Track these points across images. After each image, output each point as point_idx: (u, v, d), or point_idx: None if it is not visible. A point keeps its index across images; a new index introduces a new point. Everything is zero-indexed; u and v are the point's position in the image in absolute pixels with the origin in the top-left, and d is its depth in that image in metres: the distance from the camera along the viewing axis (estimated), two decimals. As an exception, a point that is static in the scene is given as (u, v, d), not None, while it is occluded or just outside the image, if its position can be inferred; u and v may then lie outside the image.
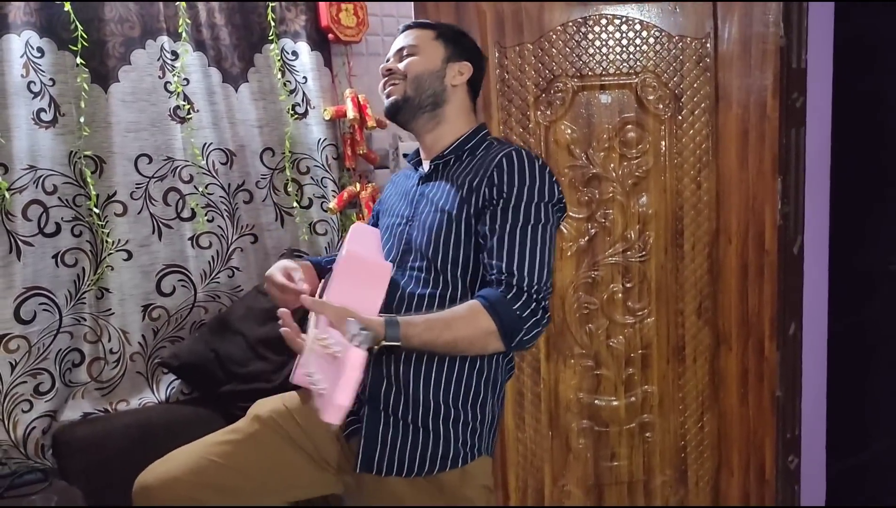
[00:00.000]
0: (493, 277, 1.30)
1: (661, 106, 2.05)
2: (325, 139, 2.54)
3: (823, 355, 2.42)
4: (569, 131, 2.05)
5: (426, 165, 1.54)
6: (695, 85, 2.05)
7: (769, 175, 2.09)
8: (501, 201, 1.33)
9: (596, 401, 2.16)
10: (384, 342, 1.22)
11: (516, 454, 2.15)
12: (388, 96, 1.51)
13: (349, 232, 1.56)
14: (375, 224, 1.69)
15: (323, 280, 1.54)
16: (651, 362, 2.15)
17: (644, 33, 2.02)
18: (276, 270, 1.49)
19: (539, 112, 2.03)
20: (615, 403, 2.17)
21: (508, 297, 1.28)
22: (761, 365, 2.17)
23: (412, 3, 2.02)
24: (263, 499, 1.49)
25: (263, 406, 1.55)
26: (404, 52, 1.52)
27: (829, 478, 2.53)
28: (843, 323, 2.52)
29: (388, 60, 1.55)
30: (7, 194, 2.02)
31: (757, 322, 2.14)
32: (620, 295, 2.11)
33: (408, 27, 1.56)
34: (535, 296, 1.29)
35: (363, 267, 1.36)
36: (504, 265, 1.29)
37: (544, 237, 1.32)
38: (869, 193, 2.86)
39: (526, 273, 1.29)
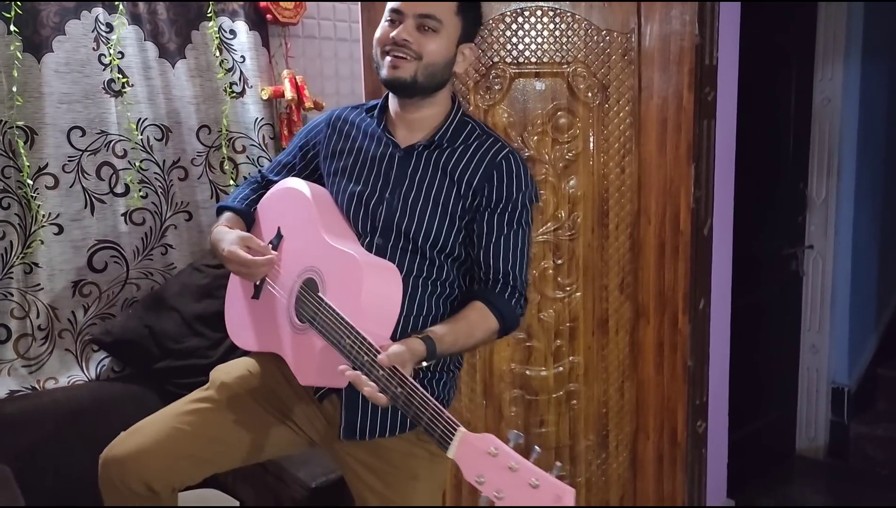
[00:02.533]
0: (489, 276, 1.44)
1: (590, 95, 2.20)
2: (262, 119, 2.56)
3: (727, 329, 2.65)
4: (506, 115, 2.17)
5: (401, 139, 1.48)
6: (620, 77, 2.22)
7: (684, 162, 2.28)
8: (499, 207, 1.43)
9: (527, 371, 2.30)
10: (423, 364, 1.31)
11: (452, 422, 2.25)
12: (392, 68, 1.39)
13: (310, 197, 1.48)
14: (303, 157, 1.60)
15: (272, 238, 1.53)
16: (578, 334, 2.31)
17: (575, 26, 2.16)
18: (237, 247, 1.43)
19: (479, 96, 2.15)
20: (544, 373, 2.31)
21: (506, 296, 1.44)
22: (675, 337, 2.36)
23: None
24: (239, 461, 1.52)
25: (228, 373, 1.54)
26: (424, 24, 1.38)
27: (731, 442, 2.78)
28: (744, 301, 2.77)
29: (394, 15, 1.39)
30: (-66, 162, 1.95)
31: (672, 297, 2.33)
32: (551, 271, 2.26)
33: None
34: (522, 290, 1.47)
35: (378, 272, 1.35)
36: (501, 267, 1.44)
37: (529, 237, 1.48)
38: (766, 184, 3.14)
39: (517, 272, 1.45)
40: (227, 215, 1.59)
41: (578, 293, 2.28)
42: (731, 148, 2.56)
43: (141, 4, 2.31)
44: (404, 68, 1.39)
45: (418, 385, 1.19)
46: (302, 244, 1.47)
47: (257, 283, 1.54)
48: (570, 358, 2.32)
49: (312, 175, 1.61)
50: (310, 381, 1.38)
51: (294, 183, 1.55)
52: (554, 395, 2.32)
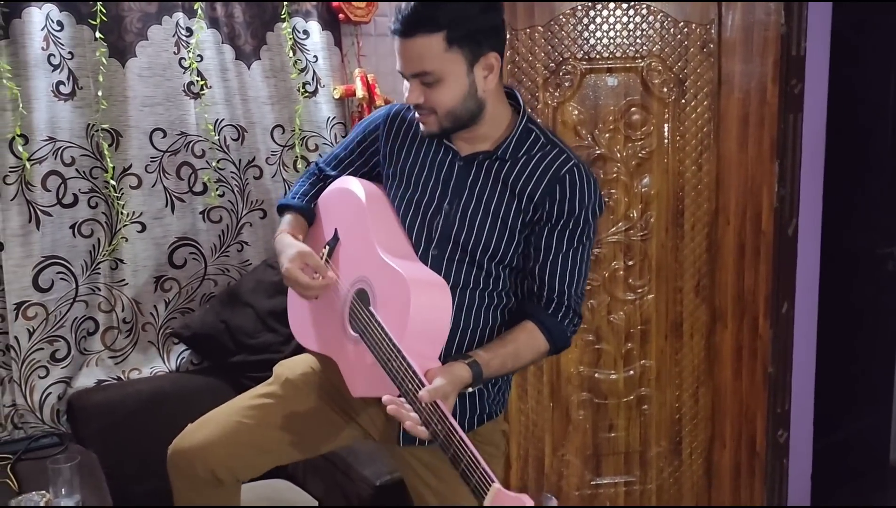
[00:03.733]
0: (543, 293, 1.40)
1: (666, 90, 2.12)
2: (334, 117, 2.59)
3: (814, 334, 2.51)
4: (576, 113, 2.12)
5: (461, 147, 1.43)
6: (698, 70, 2.12)
7: (767, 159, 2.17)
8: (560, 223, 1.37)
9: (596, 374, 2.25)
10: (469, 389, 1.30)
11: (518, 424, 2.23)
12: (422, 124, 1.40)
13: (365, 202, 1.46)
14: (361, 153, 1.57)
15: (329, 242, 1.52)
16: (650, 337, 2.24)
17: (650, 18, 2.08)
18: (295, 266, 1.44)
19: (548, 93, 2.10)
20: (614, 376, 2.26)
21: (559, 316, 1.40)
22: (755, 342, 2.26)
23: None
24: (299, 454, 1.56)
25: (292, 369, 1.58)
26: (423, 80, 1.32)
27: (816, 452, 2.64)
28: (833, 304, 2.62)
29: (402, 75, 1.36)
30: (28, 165, 2.07)
31: (752, 300, 2.23)
32: (622, 272, 2.20)
33: (407, 31, 1.30)
34: (576, 309, 1.42)
35: (426, 291, 1.32)
36: (556, 286, 1.39)
37: (588, 254, 1.42)
38: (859, 180, 2.95)
39: (573, 291, 1.40)
40: (287, 217, 1.60)
41: (651, 295, 2.21)
42: (821, 142, 2.41)
43: (219, 7, 2.38)
44: (429, 123, 1.38)
45: (457, 426, 1.15)
46: (355, 252, 1.47)
47: None
48: (642, 362, 2.25)
49: (371, 172, 1.58)
50: (360, 393, 1.39)
51: (351, 184, 1.53)
52: (624, 399, 2.26)
